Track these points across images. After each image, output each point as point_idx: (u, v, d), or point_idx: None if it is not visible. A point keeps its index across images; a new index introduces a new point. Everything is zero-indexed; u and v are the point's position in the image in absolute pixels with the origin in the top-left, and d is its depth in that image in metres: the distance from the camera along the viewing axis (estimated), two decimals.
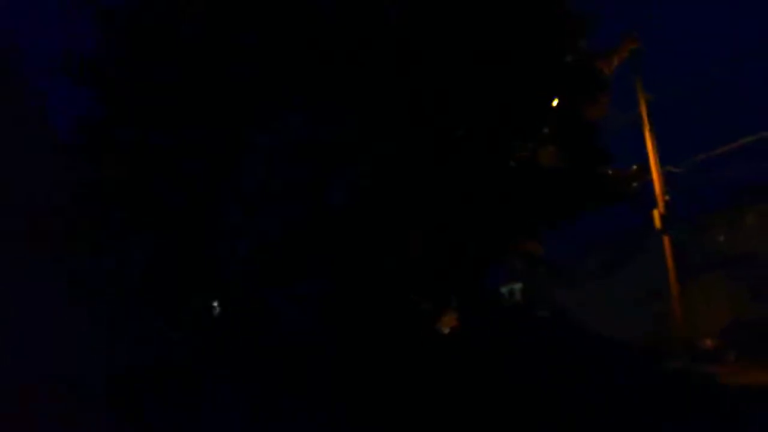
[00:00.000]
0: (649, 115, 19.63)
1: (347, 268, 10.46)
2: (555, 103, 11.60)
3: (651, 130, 19.39)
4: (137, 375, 10.37)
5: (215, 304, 11.25)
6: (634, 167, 12.53)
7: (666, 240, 18.63)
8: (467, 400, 8.99)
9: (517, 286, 19.63)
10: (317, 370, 9.38)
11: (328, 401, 9.11)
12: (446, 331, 10.79)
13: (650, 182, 18.81)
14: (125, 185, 10.96)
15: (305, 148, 10.42)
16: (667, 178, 19.35)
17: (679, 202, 19.62)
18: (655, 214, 18.79)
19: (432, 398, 9.01)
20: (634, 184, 12.59)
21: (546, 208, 11.50)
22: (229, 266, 10.68)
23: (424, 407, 8.94)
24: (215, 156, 10.76)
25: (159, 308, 10.75)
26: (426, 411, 8.90)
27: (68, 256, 11.70)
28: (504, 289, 18.76)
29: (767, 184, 23.26)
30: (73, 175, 11.39)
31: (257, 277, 10.54)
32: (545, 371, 9.65)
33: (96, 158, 11.29)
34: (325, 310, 10.34)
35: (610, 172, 11.86)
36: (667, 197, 18.95)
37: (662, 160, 19.74)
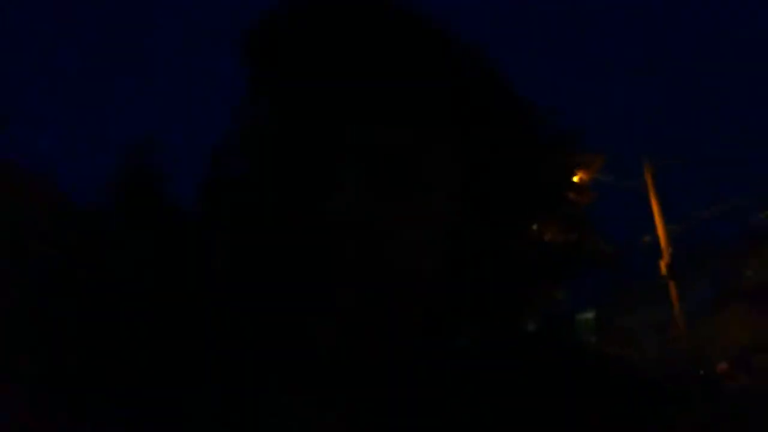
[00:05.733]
0: (653, 184, 24.53)
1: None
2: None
3: (655, 197, 24.25)
4: None
5: None
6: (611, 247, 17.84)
7: (671, 284, 23.31)
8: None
9: (591, 314, 24.09)
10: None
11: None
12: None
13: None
14: None
15: None
16: (670, 234, 24.11)
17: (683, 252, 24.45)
18: (662, 264, 23.54)
19: None
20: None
21: (552, 269, 17.03)
22: None
23: None
24: None
25: None
26: None
27: None
28: (579, 317, 23.66)
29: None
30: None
31: None
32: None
33: None
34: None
35: (597, 245, 17.12)
36: (671, 250, 23.65)
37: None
